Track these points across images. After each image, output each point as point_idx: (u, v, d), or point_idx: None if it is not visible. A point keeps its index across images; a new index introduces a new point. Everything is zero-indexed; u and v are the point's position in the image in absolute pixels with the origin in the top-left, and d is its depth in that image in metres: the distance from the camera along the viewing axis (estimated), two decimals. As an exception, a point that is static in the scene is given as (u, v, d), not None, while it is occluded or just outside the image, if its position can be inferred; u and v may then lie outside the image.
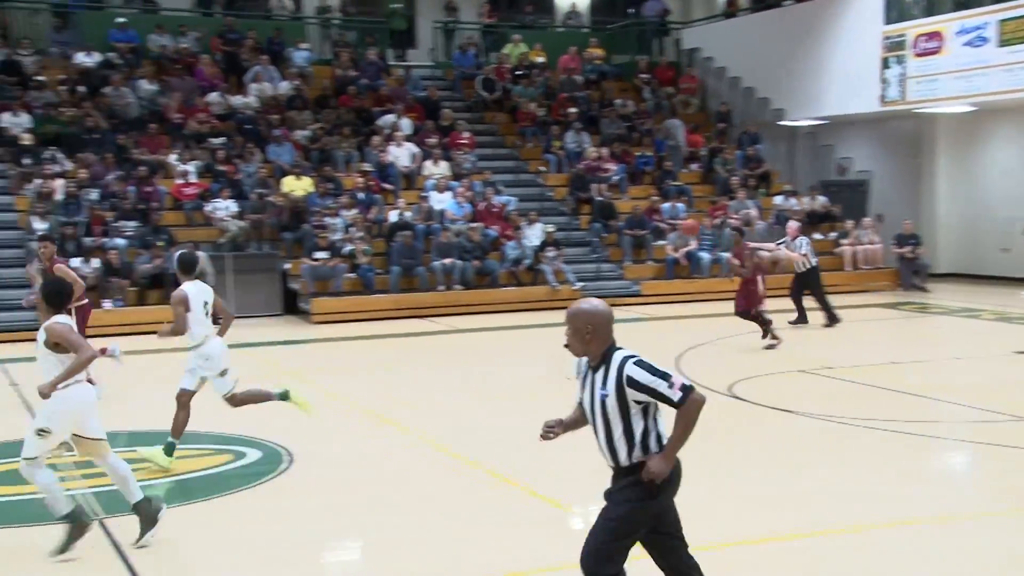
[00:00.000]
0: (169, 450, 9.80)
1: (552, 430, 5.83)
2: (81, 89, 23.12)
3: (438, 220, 21.78)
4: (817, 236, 24.42)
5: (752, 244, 16.83)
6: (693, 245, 22.22)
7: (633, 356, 5.29)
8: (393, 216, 21.50)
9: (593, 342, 5.35)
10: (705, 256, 22.28)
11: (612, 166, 24.91)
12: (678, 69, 29.93)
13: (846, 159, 27.09)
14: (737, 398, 12.39)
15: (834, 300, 18.36)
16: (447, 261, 20.77)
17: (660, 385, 5.20)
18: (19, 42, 24.18)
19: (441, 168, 23.41)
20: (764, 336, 15.72)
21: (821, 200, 25.18)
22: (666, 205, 23.82)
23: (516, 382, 14.30)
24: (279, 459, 10.04)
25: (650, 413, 5.37)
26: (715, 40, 29.44)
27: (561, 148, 25.48)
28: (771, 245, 17.92)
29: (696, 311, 20.21)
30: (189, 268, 10.09)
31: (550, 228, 22.16)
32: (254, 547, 7.70)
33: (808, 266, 17.81)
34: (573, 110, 26.28)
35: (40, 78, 23.16)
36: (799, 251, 17.74)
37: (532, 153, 25.87)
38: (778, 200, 24.91)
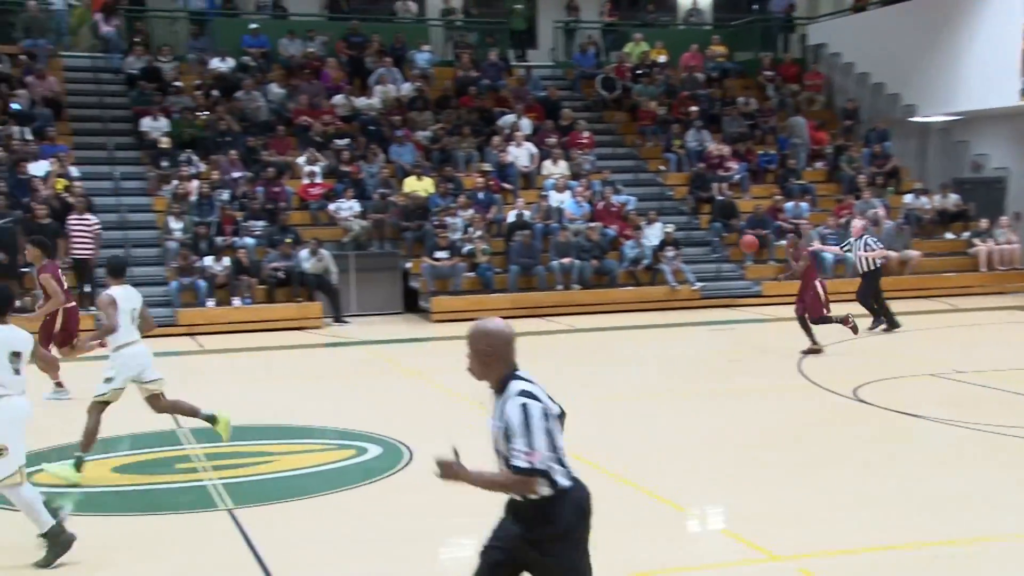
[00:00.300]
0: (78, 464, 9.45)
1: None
2: (215, 93, 23.82)
3: (557, 219, 21.89)
4: (949, 236, 23.83)
5: (815, 247, 16.79)
6: (816, 245, 21.86)
7: (529, 394, 4.89)
8: (512, 216, 21.68)
9: (492, 366, 4.95)
10: (828, 257, 21.95)
11: (733, 164, 24.69)
12: (803, 65, 29.47)
13: (981, 156, 26.26)
14: (862, 401, 12.20)
15: (967, 302, 17.82)
16: (565, 260, 20.87)
17: (518, 442, 4.81)
18: (160, 49, 25.06)
19: (560, 168, 23.51)
20: (810, 344, 15.40)
21: (953, 198, 24.55)
22: (789, 204, 23.47)
23: (634, 383, 14.28)
24: (399, 455, 10.17)
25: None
26: (843, 35, 28.90)
27: (681, 147, 25.35)
28: (835, 249, 17.62)
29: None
30: (118, 273, 10.09)
31: (669, 228, 22.08)
32: (373, 542, 7.83)
33: (874, 266, 17.22)
34: (694, 108, 26.11)
35: (178, 83, 23.95)
36: (871, 250, 17.15)
37: (652, 152, 25.77)
38: (908, 199, 24.41)
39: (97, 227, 19.00)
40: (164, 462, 10.27)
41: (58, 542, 7.21)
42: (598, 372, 15.14)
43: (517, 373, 4.96)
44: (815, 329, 15.43)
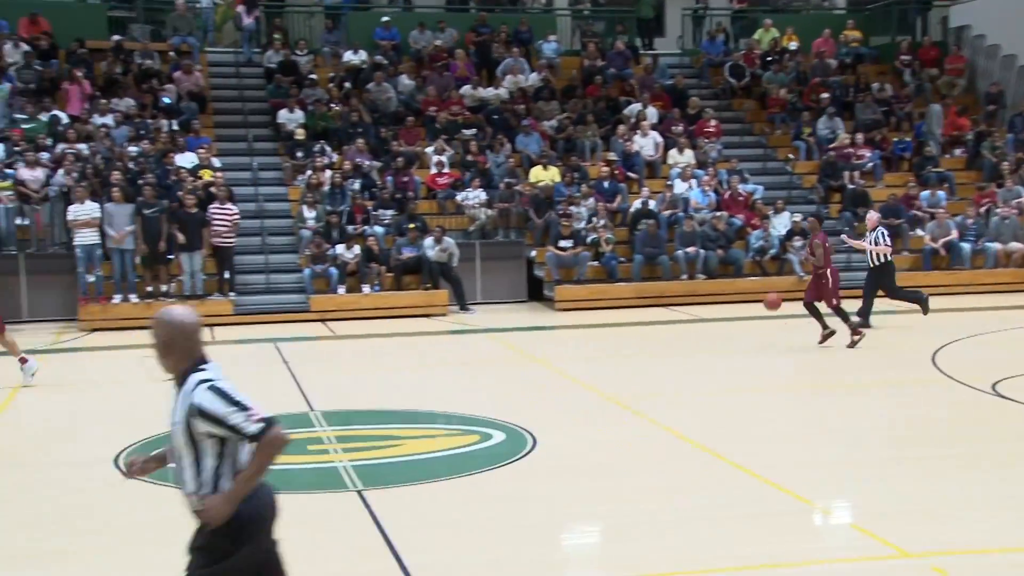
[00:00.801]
0: None
1: (135, 465, 4.98)
2: (347, 85, 24.48)
3: (682, 209, 21.92)
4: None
5: (847, 240, 16.64)
6: (954, 234, 21.35)
7: (210, 380, 4.55)
8: (637, 205, 21.81)
9: (171, 356, 4.61)
10: (966, 246, 21.47)
11: (866, 152, 24.32)
12: (943, 49, 28.70)
13: None
14: (1002, 397, 11.89)
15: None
16: (690, 250, 20.90)
17: (234, 416, 4.50)
18: (296, 43, 25.88)
19: (686, 156, 23.51)
20: (823, 334, 15.32)
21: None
22: (925, 193, 23.02)
23: (759, 373, 14.17)
24: (523, 442, 10.27)
25: (228, 449, 4.61)
26: (988, 16, 28.00)
27: (811, 135, 25.06)
28: (862, 244, 17.19)
29: (955, 304, 19.38)
30: None
31: (797, 217, 21.89)
32: (497, 526, 7.96)
33: (884, 260, 16.78)
34: (826, 95, 25.77)
35: (312, 76, 24.65)
36: (881, 243, 16.65)
37: (781, 140, 25.57)
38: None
39: (236, 216, 19.73)
40: (297, 444, 10.52)
41: None
42: (723, 362, 15.09)
43: (201, 367, 4.61)
44: (827, 313, 15.48)
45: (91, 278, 18.85)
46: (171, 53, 24.66)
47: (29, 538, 7.92)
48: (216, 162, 21.46)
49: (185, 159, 21.01)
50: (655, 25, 29.54)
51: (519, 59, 25.77)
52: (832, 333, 15.29)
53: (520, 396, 12.71)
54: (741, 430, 10.73)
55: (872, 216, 17.58)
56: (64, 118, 21.79)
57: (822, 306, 15.42)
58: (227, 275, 19.55)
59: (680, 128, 24.38)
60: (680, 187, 22.48)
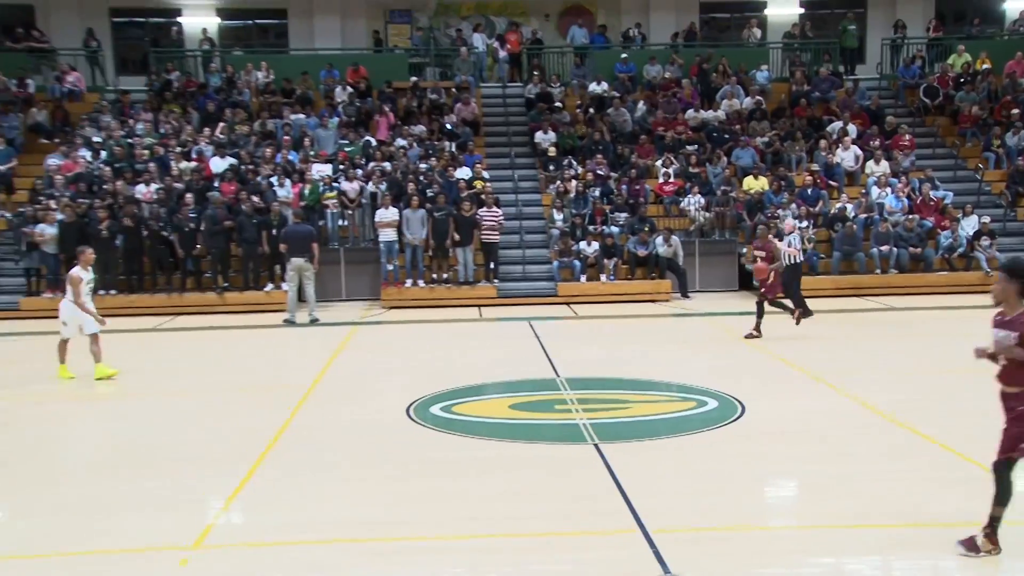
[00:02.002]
0: None
1: None
2: (591, 111, 24.80)
3: (878, 212, 21.04)
4: None
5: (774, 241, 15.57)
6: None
7: None
8: (836, 209, 21.13)
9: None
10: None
11: (1055, 160, 22.58)
12: None
13: None
14: None
15: None
16: (884, 248, 20.09)
17: None
18: (551, 78, 26.44)
19: (882, 167, 22.53)
20: (755, 328, 14.93)
21: None
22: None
23: (948, 356, 13.18)
24: (734, 409, 10.21)
25: None
26: None
27: (1001, 146, 23.50)
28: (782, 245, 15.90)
29: None
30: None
31: (985, 219, 20.66)
32: (710, 477, 7.98)
33: (795, 261, 16.07)
34: (1016, 111, 24.06)
35: (558, 104, 25.12)
36: (792, 246, 16.16)
37: (971, 152, 24.05)
38: None
39: (501, 218, 20.37)
40: (546, 403, 10.90)
41: None
42: (914, 346, 14.54)
43: None
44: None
45: (390, 267, 19.85)
46: (454, 89, 25.70)
47: (333, 461, 8.65)
48: (486, 174, 22.14)
49: (462, 172, 21.81)
50: (857, 54, 28.38)
51: (735, 86, 25.39)
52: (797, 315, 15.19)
53: (731, 370, 12.55)
54: (929, 405, 10.32)
55: (789, 222, 17.29)
56: (374, 142, 23.03)
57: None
58: (492, 266, 20.20)
59: (877, 142, 23.38)
60: (876, 193, 21.59)
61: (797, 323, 15.15)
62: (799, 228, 17.46)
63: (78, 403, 11.71)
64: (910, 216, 20.80)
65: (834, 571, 6.24)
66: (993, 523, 6.15)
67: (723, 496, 7.53)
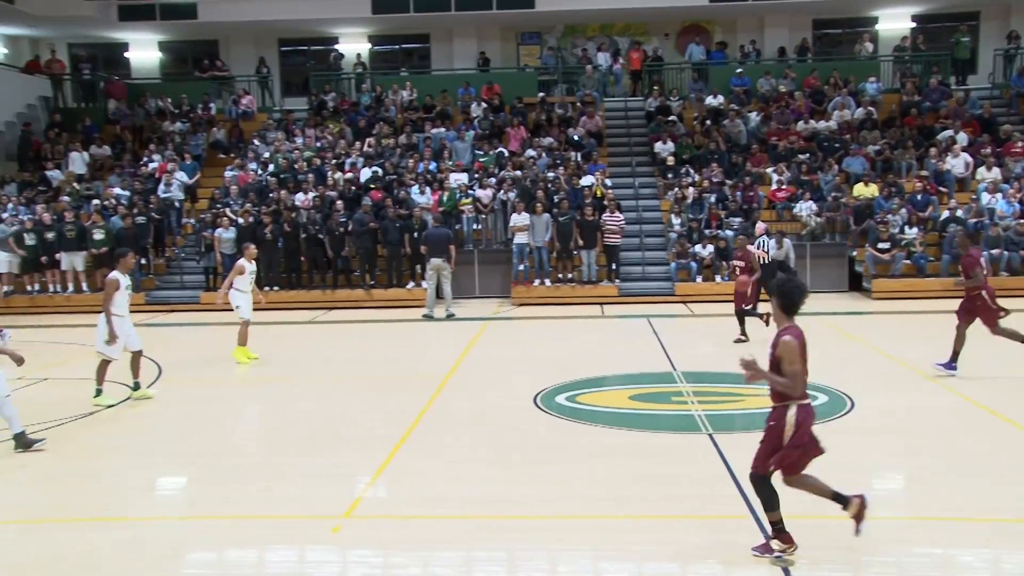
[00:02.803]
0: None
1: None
2: (708, 123, 24.36)
3: (988, 217, 19.92)
4: None
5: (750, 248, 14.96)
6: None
7: None
8: (946, 214, 20.10)
9: None
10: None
11: None
12: None
13: None
14: None
15: None
16: (995, 251, 18.97)
17: None
18: (670, 92, 26.08)
19: (993, 173, 21.27)
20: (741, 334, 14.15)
21: None
22: None
23: None
24: (843, 403, 9.91)
25: None
26: None
27: (1114, 153, 21.92)
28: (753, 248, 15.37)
29: None
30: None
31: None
32: (820, 468, 7.48)
33: (765, 262, 15.65)
34: None
35: (673, 117, 24.76)
36: (762, 248, 16.03)
37: (1084, 158, 22.49)
38: None
39: (622, 222, 20.22)
40: (663, 395, 10.78)
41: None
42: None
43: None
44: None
45: (520, 267, 20.03)
46: (579, 103, 25.65)
47: (467, 443, 8.79)
48: (608, 182, 22.02)
49: (587, 180, 21.75)
50: (969, 64, 26.92)
51: (846, 97, 24.48)
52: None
53: (841, 367, 12.11)
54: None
55: (760, 226, 17.09)
56: (506, 153, 23.20)
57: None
58: (614, 266, 20.08)
59: (988, 150, 22.11)
60: (986, 199, 20.43)
61: (767, 324, 13.95)
62: (767, 232, 16.98)
63: (246, 386, 12.22)
64: (1021, 220, 19.62)
65: (942, 562, 5.97)
66: (776, 526, 5.86)
67: (833, 485, 7.24)
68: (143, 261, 20.79)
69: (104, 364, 10.68)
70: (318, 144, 24.20)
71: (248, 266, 13.20)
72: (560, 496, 7.18)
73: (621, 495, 7.17)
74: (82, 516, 6.99)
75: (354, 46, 29.93)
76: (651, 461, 8.14)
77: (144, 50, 30.69)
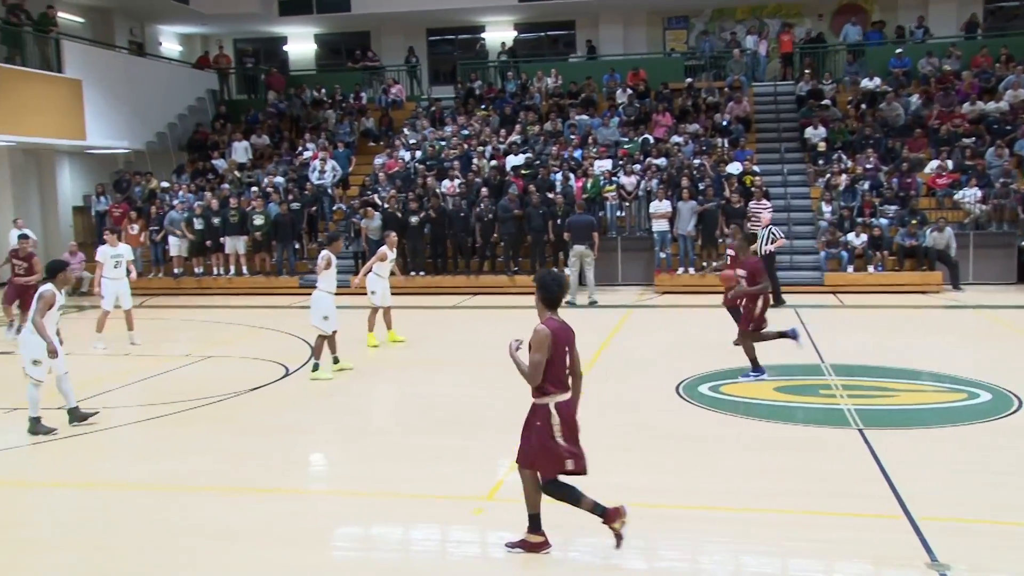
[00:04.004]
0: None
1: None
2: (863, 106, 23.31)
3: None
4: None
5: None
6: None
7: None
8: None
9: None
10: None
11: None
12: None
13: None
14: None
15: None
16: None
17: None
18: (823, 75, 25.07)
19: None
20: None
21: None
22: None
23: None
24: (1009, 403, 9.38)
25: None
26: None
27: None
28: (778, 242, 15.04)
29: None
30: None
31: None
32: (977, 468, 7.35)
33: (767, 253, 15.59)
34: None
35: (826, 101, 23.80)
36: (766, 243, 15.75)
37: None
38: None
39: (769, 210, 19.62)
40: (811, 387, 10.46)
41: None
42: None
43: None
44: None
45: (663, 255, 19.80)
46: (727, 88, 25.03)
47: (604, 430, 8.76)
48: (756, 168, 21.46)
49: (733, 167, 21.26)
50: None
51: (1020, 76, 22.84)
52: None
53: (1007, 363, 11.42)
54: None
55: (765, 216, 17.01)
56: (651, 140, 22.98)
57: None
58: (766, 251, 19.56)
59: None
60: None
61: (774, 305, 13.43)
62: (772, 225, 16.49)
63: (394, 369, 12.57)
64: None
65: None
66: (596, 509, 5.67)
67: (998, 489, 6.90)
68: (296, 246, 21.77)
69: (321, 340, 11.41)
70: (465, 132, 24.60)
71: (390, 253, 13.57)
72: (701, 487, 7.08)
73: (764, 488, 6.99)
74: (238, 486, 7.39)
75: (500, 34, 30.23)
76: (796, 455, 7.91)
77: (301, 43, 32.03)
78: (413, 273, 20.32)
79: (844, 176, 20.69)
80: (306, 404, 10.29)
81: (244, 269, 21.54)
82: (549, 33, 31.15)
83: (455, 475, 7.53)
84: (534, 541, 5.84)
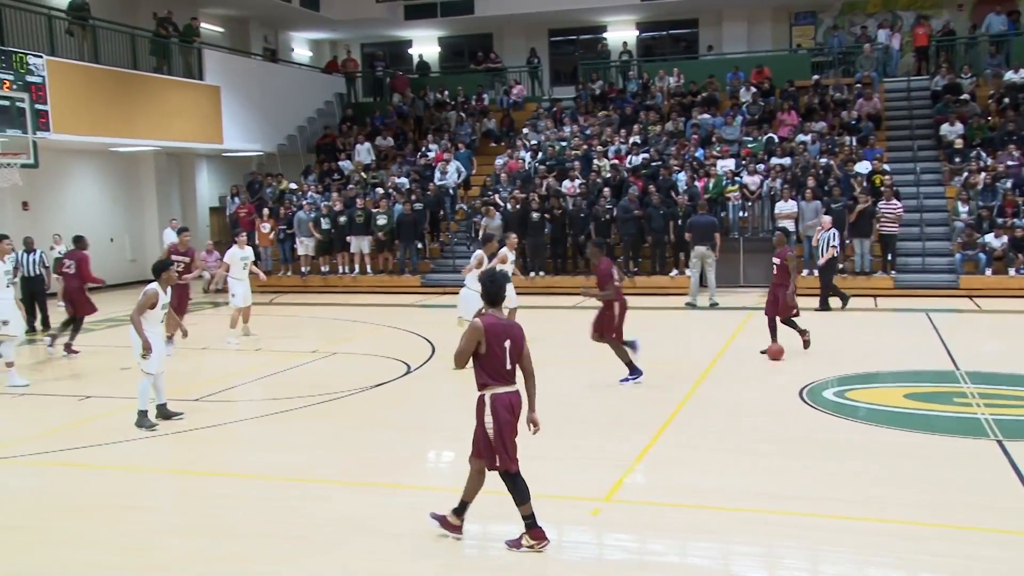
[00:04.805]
0: None
1: None
2: (1006, 100, 22.10)
3: None
4: None
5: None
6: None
7: None
8: None
9: None
10: None
11: None
12: None
13: None
14: None
15: None
16: None
17: None
18: (961, 69, 23.92)
19: None
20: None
21: None
22: None
23: None
24: None
25: None
26: None
27: None
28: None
29: None
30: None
31: None
32: None
33: (832, 256, 15.80)
34: None
35: (963, 96, 22.67)
36: (831, 244, 15.71)
37: None
38: None
39: (900, 210, 18.91)
40: (944, 395, 10.08)
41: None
42: None
43: None
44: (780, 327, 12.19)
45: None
46: (856, 85, 24.17)
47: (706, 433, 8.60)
48: (886, 167, 20.66)
49: (862, 166, 20.52)
50: None
51: None
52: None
53: None
54: None
55: (826, 219, 16.52)
56: (776, 139, 22.45)
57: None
58: (890, 257, 18.85)
59: None
60: None
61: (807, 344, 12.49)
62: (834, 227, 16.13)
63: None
64: None
65: None
66: (527, 520, 5.89)
67: None
68: (419, 245, 22.25)
69: None
70: (586, 132, 24.60)
71: (510, 255, 13.67)
72: (825, 495, 6.88)
73: (893, 498, 6.75)
74: (360, 480, 7.63)
75: (622, 33, 30.10)
76: (927, 465, 7.60)
77: (425, 46, 32.71)
78: (533, 274, 20.46)
79: (983, 174, 19.67)
80: (428, 401, 10.52)
81: (368, 268, 22.16)
82: (671, 32, 30.80)
83: (574, 475, 7.56)
84: (452, 522, 6.15)
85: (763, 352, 12.28)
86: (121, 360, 12.21)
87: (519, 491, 5.94)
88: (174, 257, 13.72)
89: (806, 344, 12.47)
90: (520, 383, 6.06)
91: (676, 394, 10.20)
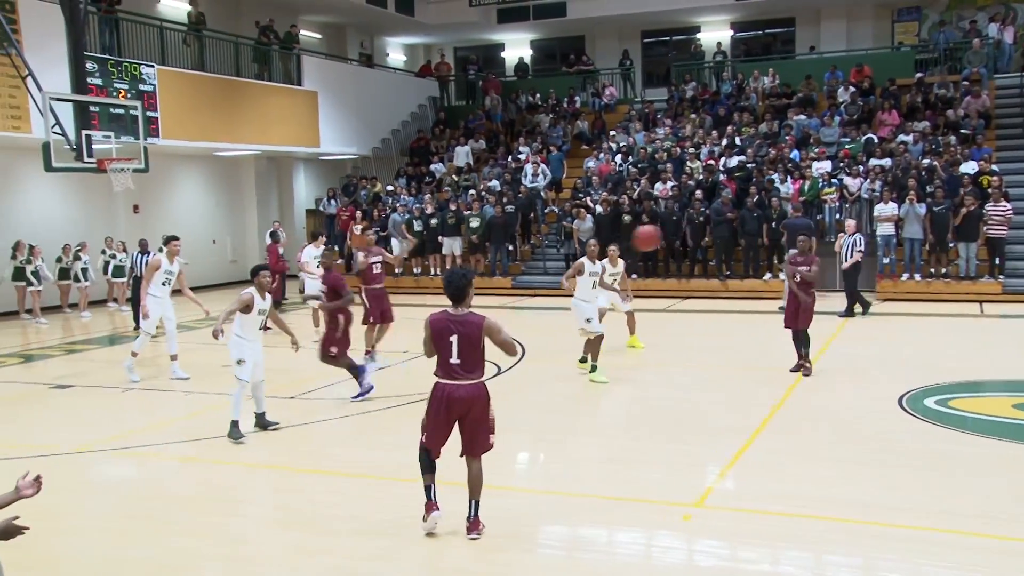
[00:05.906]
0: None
1: None
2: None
3: None
4: None
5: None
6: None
7: None
8: None
9: None
10: None
11: None
12: None
13: None
14: None
15: None
16: None
17: None
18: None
19: None
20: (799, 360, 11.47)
21: None
22: None
23: None
24: None
25: None
26: None
27: None
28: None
29: None
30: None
31: None
32: None
33: (857, 261, 15.64)
34: None
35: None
36: (857, 248, 15.65)
37: None
38: None
39: (1009, 212, 18.15)
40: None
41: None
42: None
43: None
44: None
45: (886, 260, 18.76)
46: (964, 82, 23.30)
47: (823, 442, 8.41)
48: (995, 168, 19.81)
49: (968, 167, 19.77)
50: None
51: None
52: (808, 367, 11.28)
53: None
54: None
55: (850, 224, 16.30)
56: (875, 139, 21.82)
57: None
58: (997, 261, 18.11)
59: None
60: None
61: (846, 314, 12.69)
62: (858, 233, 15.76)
63: (602, 371, 12.70)
64: None
65: None
66: (427, 492, 6.32)
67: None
68: (510, 247, 22.41)
69: (595, 340, 11.49)
70: (678, 134, 24.38)
71: (588, 264, 13.13)
72: (924, 506, 6.69)
73: (998, 513, 6.51)
74: (449, 480, 7.74)
75: (716, 34, 29.71)
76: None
77: (518, 49, 32.92)
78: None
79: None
80: (519, 402, 10.61)
81: (460, 269, 22.38)
82: (767, 31, 30.24)
83: (666, 480, 7.54)
84: (426, 504, 6.40)
85: (792, 370, 11.43)
86: (221, 358, 12.65)
87: (424, 464, 6.35)
88: (369, 253, 13.30)
89: (806, 372, 11.35)
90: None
91: (770, 399, 10.05)
